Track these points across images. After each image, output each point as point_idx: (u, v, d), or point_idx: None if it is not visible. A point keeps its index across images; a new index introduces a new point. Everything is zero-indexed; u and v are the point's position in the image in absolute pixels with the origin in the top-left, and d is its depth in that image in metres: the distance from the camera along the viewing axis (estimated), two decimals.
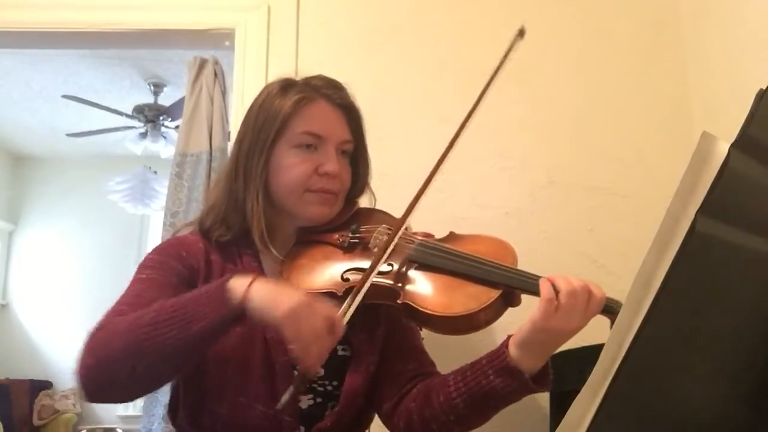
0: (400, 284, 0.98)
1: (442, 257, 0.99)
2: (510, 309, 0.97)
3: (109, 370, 0.84)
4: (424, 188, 1.00)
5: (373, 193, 1.21)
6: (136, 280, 1.00)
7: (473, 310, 0.91)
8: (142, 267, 1.03)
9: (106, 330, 0.88)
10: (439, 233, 1.12)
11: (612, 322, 0.89)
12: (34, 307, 5.55)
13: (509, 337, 0.93)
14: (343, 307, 0.88)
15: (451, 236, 1.08)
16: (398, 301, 0.96)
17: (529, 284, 0.91)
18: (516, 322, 0.95)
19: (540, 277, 0.91)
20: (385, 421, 1.08)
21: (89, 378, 0.86)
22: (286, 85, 1.12)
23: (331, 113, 1.10)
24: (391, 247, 0.96)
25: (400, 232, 0.97)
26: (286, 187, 1.08)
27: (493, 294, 0.92)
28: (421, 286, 0.97)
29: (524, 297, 0.96)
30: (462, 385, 0.95)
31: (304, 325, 0.81)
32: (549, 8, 2.10)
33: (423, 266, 0.99)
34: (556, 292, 0.87)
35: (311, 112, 1.09)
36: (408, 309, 0.95)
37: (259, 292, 0.83)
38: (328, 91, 1.11)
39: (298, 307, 0.81)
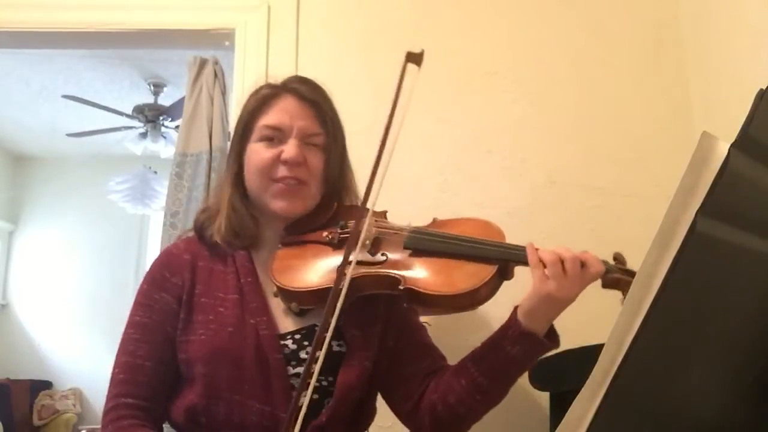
0: (398, 271, 1.00)
1: (435, 241, 1.02)
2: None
3: None
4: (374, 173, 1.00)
5: (356, 194, 1.20)
6: (131, 324, 1.08)
7: (476, 286, 0.95)
8: (136, 304, 1.09)
9: None
10: None
11: (604, 283, 0.95)
12: (34, 307, 5.54)
13: (516, 308, 0.98)
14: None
15: (436, 222, 1.10)
16: (400, 287, 0.98)
17: (521, 255, 0.96)
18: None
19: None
20: (409, 421, 1.10)
21: None
22: (261, 86, 1.16)
23: (295, 106, 1.11)
24: (364, 232, 0.98)
25: (367, 219, 0.99)
26: (253, 177, 1.11)
27: (491, 269, 0.96)
28: (420, 270, 1.00)
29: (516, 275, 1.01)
30: (482, 363, 1.00)
31: None
32: (549, 8, 2.10)
33: (417, 252, 1.02)
34: (543, 262, 0.94)
35: (274, 107, 1.11)
36: (411, 293, 0.98)
37: None
38: (295, 86, 1.13)
39: None
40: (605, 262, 0.95)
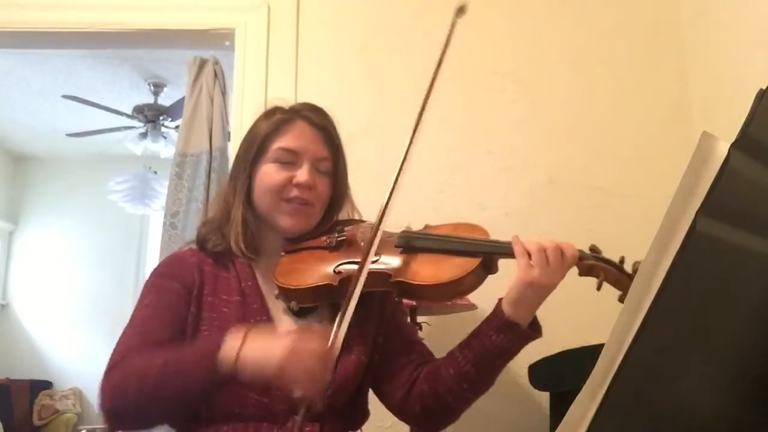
0: (389, 267, 1.07)
1: (424, 239, 1.10)
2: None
3: (128, 413, 0.99)
4: (396, 182, 1.08)
5: (356, 208, 1.26)
6: (142, 306, 1.10)
7: (460, 275, 1.02)
8: (145, 292, 1.13)
9: (121, 376, 0.99)
10: None
11: (580, 270, 1.01)
12: (34, 307, 5.54)
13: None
14: (333, 329, 0.95)
15: (428, 227, 1.17)
16: (390, 281, 1.05)
17: (504, 248, 1.03)
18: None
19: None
20: (401, 411, 1.16)
21: (113, 419, 0.99)
22: (273, 109, 1.23)
23: (308, 132, 1.19)
24: (380, 231, 1.04)
25: (383, 218, 1.05)
26: (263, 196, 1.17)
27: (475, 261, 1.03)
28: (409, 265, 1.07)
29: (501, 269, 1.06)
30: (468, 352, 1.06)
31: (298, 371, 0.90)
32: (549, 8, 2.10)
33: (408, 249, 1.09)
34: (528, 251, 1.00)
35: (289, 131, 1.18)
36: (400, 286, 1.05)
37: (248, 356, 0.92)
38: (307, 113, 1.20)
39: (286, 359, 0.89)
40: (580, 250, 1.02)
